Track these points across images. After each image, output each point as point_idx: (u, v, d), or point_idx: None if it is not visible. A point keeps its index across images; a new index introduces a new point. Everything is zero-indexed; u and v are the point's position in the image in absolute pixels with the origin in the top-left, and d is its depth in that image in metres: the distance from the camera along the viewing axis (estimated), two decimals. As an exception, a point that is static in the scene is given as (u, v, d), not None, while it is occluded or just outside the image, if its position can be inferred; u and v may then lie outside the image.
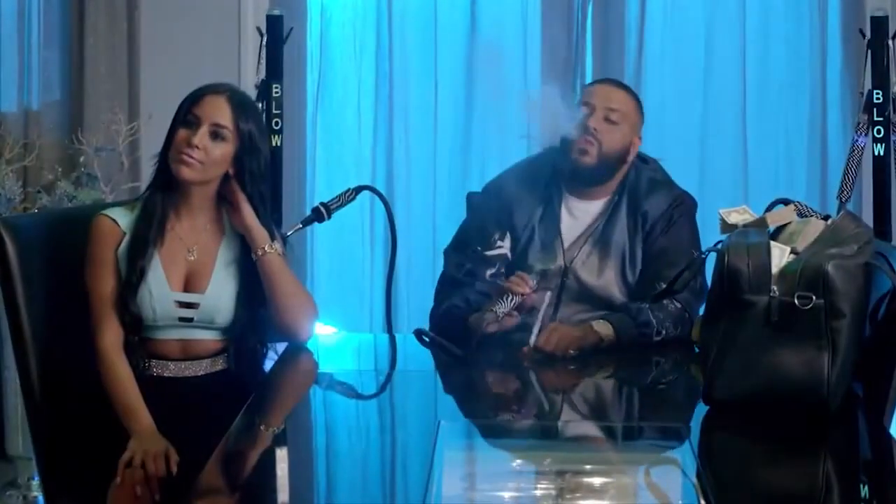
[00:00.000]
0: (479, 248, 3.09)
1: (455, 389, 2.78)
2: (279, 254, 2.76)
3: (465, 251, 3.11)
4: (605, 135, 3.04)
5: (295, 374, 2.82)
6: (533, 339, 2.82)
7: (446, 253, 3.16)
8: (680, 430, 2.36)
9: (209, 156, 2.67)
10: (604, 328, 2.89)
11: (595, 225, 3.08)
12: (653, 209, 3.06)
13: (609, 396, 2.76)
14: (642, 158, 3.16)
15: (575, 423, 2.53)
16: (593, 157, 3.05)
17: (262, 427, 2.42)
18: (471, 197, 3.32)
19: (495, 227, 3.10)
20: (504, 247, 3.09)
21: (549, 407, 2.66)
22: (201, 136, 2.66)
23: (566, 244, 3.07)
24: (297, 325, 2.80)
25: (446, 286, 3.10)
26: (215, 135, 2.68)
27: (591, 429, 2.49)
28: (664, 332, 2.91)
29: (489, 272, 3.07)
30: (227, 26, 4.36)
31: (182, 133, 2.68)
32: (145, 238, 2.69)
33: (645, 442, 2.41)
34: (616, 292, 3.05)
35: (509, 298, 2.86)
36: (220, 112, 2.69)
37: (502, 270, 3.07)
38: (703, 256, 2.99)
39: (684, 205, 3.11)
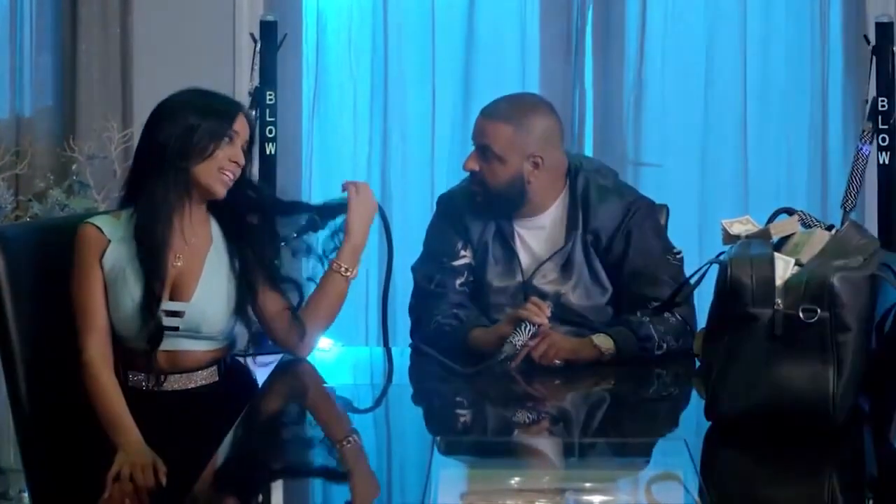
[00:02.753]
0: (444, 259, 3.06)
1: (452, 405, 2.74)
2: (349, 280, 2.79)
3: (432, 263, 3.08)
4: (485, 173, 2.98)
5: (291, 387, 2.80)
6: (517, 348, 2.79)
7: (414, 269, 3.13)
8: (681, 446, 2.32)
9: (240, 170, 2.71)
10: (604, 342, 2.85)
11: (551, 239, 3.03)
12: (604, 226, 2.99)
13: (609, 411, 2.73)
14: (595, 168, 3.09)
15: (574, 440, 2.50)
16: (481, 195, 3.01)
17: (339, 443, 2.42)
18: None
19: (456, 236, 3.07)
20: (467, 256, 3.07)
21: (548, 423, 2.63)
22: (241, 153, 2.69)
23: (523, 261, 3.02)
24: (306, 343, 2.82)
25: (423, 302, 3.07)
26: (244, 150, 2.71)
27: (590, 445, 2.47)
28: (665, 345, 2.88)
29: (458, 282, 3.05)
30: (220, 32, 4.35)
31: (227, 151, 2.67)
32: (163, 252, 2.65)
33: (646, 458, 2.38)
34: (574, 301, 2.99)
35: (526, 328, 2.80)
36: (246, 128, 2.72)
37: (471, 279, 3.05)
38: (682, 259, 2.97)
39: (639, 212, 3.02)
